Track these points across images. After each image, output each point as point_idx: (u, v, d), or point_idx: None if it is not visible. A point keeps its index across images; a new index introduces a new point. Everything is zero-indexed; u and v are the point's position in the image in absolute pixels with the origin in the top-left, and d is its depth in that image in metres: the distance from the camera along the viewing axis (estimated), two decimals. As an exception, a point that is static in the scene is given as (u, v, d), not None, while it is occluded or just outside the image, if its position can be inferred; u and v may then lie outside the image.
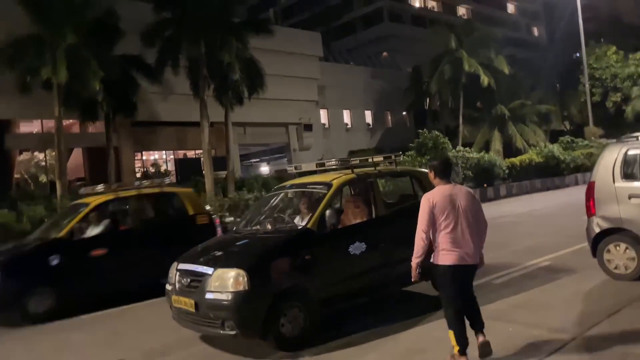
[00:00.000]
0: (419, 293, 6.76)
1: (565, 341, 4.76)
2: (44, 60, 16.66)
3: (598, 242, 6.97)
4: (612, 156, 6.85)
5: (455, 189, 4.46)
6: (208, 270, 5.07)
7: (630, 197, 6.60)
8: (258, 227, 6.13)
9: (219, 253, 5.50)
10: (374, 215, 6.16)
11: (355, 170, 6.27)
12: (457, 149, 22.50)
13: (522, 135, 36.55)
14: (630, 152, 6.73)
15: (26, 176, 36.67)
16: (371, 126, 44.56)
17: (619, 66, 35.17)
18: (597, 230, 6.94)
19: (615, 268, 6.81)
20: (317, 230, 5.43)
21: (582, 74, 33.80)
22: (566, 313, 5.61)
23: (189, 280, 5.24)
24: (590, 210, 7.04)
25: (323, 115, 41.07)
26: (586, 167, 28.70)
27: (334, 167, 6.45)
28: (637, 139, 6.80)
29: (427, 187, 6.82)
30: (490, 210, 17.57)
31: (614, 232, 6.82)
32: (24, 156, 35.07)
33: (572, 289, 6.62)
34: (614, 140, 7.20)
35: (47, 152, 30.44)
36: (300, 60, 35.77)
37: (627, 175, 6.72)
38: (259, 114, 32.20)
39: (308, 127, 37.73)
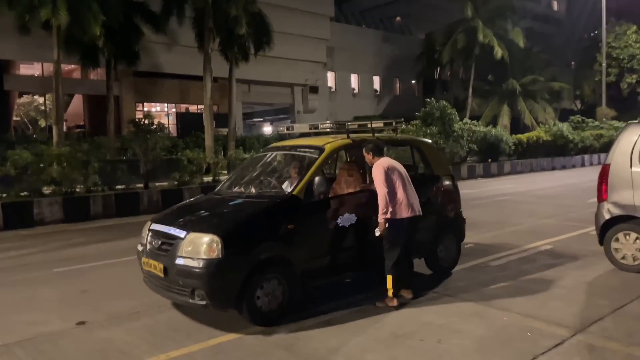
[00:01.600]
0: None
1: (565, 337, 4.35)
2: (43, 0, 15.90)
3: (607, 229, 6.51)
4: (631, 138, 6.31)
5: (392, 160, 5.29)
6: (180, 233, 4.63)
7: (647, 184, 6.11)
8: (242, 189, 5.67)
9: (195, 215, 5.05)
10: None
11: (351, 135, 5.76)
12: (464, 121, 21.83)
13: (532, 112, 35.77)
14: (652, 135, 6.20)
15: (26, 119, 36.24)
16: (378, 92, 43.68)
17: (638, 47, 33.99)
18: (607, 216, 6.47)
19: (623, 258, 6.38)
20: (303, 198, 4.96)
21: (599, 52, 32.74)
22: (567, 304, 5.20)
23: (159, 242, 4.81)
24: (601, 195, 6.55)
25: (330, 78, 40.18)
26: (594, 148, 28.08)
27: (328, 130, 5.93)
28: (661, 122, 6.26)
29: (429, 157, 6.41)
30: (492, 187, 17.37)
31: (626, 219, 6.35)
32: (24, 99, 34.55)
33: (573, 277, 6.20)
34: (636, 121, 6.63)
35: (47, 96, 29.88)
36: (310, 18, 34.71)
37: (646, 160, 6.20)
38: (264, 72, 31.51)
39: (314, 90, 36.98)
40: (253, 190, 5.51)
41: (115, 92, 26.71)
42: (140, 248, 5.09)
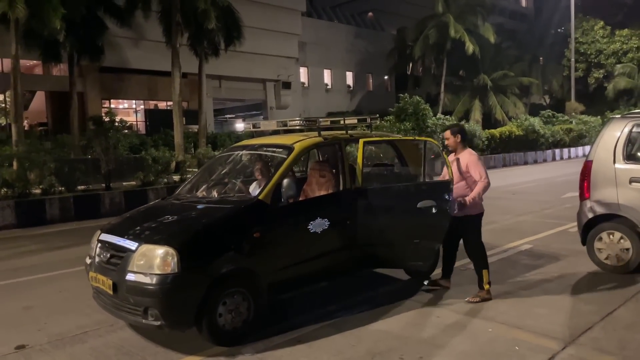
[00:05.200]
0: (389, 276, 6.00)
1: (555, 351, 4.02)
2: None
3: (590, 228, 6.25)
4: (614, 134, 6.05)
5: None
6: (131, 245, 4.11)
7: (631, 181, 5.85)
8: (204, 193, 5.18)
9: (149, 224, 4.51)
10: (341, 187, 5.26)
11: (323, 133, 5.32)
12: (437, 116, 21.62)
13: (503, 106, 35.94)
14: (636, 130, 5.95)
15: (-16, 118, 34.71)
16: (351, 88, 43.42)
17: (605, 42, 34.43)
18: (590, 215, 6.20)
19: (606, 259, 6.12)
20: (270, 202, 4.49)
21: (567, 47, 33.07)
22: (553, 311, 4.89)
23: (108, 255, 4.29)
24: (583, 193, 6.27)
25: (303, 74, 39.74)
26: (564, 142, 28.33)
27: (298, 127, 5.47)
28: (645, 116, 6.00)
29: (405, 155, 6.02)
30: (467, 182, 17.10)
31: (609, 218, 6.09)
32: (-19, 96, 33.06)
33: (557, 280, 5.92)
34: (618, 116, 6.38)
35: (7, 93, 28.62)
36: (281, 13, 34.22)
37: (630, 156, 5.95)
38: (236, 67, 31.01)
39: (286, 85, 36.53)
40: (215, 194, 5.02)
41: (80, 88, 25.81)
42: (88, 261, 4.56)
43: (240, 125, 40.51)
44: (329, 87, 41.70)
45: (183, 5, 21.16)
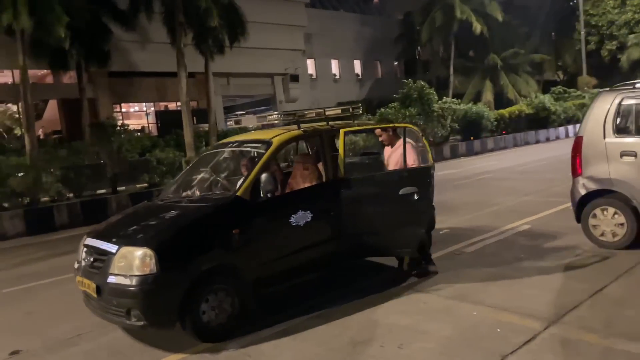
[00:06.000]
0: (380, 265, 6.01)
1: (537, 331, 4.00)
2: (3, 4, 15.21)
3: (584, 205, 6.16)
4: (603, 107, 5.94)
5: None
6: (112, 248, 4.20)
7: (622, 155, 5.75)
8: (188, 192, 5.24)
9: (130, 227, 4.60)
10: (324, 179, 5.27)
11: (302, 126, 5.33)
12: (444, 100, 21.40)
13: (515, 85, 35.36)
14: (625, 103, 5.83)
15: (1, 129, 35.42)
16: (360, 77, 43.14)
17: (616, 12, 33.54)
18: (583, 192, 6.11)
19: (602, 235, 6.04)
20: (249, 198, 4.54)
21: (578, 21, 32.33)
22: (542, 291, 4.85)
23: (92, 259, 4.38)
24: (576, 170, 6.19)
25: (310, 66, 39.59)
26: (577, 118, 27.80)
27: (276, 121, 5.49)
28: (634, 87, 5.88)
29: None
30: (474, 165, 17.00)
31: (602, 194, 6.00)
32: (-1, 108, 33.71)
33: (551, 259, 5.87)
34: (607, 89, 6.25)
35: (20, 103, 29.10)
36: (285, 6, 34.06)
37: (620, 130, 5.84)
38: (242, 64, 30.96)
39: (294, 78, 36.42)
40: (198, 193, 5.08)
41: (91, 94, 26.08)
42: (76, 265, 4.66)
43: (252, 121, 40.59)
44: (337, 77, 41.53)
45: (185, 6, 21.21)
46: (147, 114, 33.29)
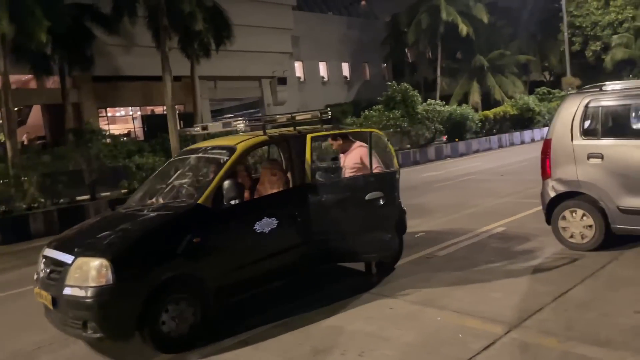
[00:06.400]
0: (351, 270, 5.98)
1: (498, 336, 3.99)
2: None
3: (553, 207, 6.18)
4: (571, 109, 5.97)
5: None
6: (68, 258, 4.14)
7: (589, 157, 5.78)
8: (154, 200, 5.18)
9: (89, 237, 4.53)
10: (291, 185, 5.24)
11: (269, 131, 5.29)
12: (428, 102, 21.46)
13: (501, 86, 35.56)
14: (592, 105, 5.85)
15: (-17, 136, 35.06)
16: (348, 79, 43.19)
17: (600, 13, 33.79)
18: (552, 194, 6.13)
19: (571, 237, 6.05)
20: (212, 205, 4.49)
21: (562, 22, 32.57)
22: (508, 295, 4.84)
23: (48, 270, 4.32)
24: (545, 172, 6.21)
25: (298, 68, 39.59)
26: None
27: (242, 126, 5.42)
28: (600, 89, 5.90)
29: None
30: (458, 167, 17.05)
31: (571, 196, 6.01)
32: (-19, 114, 33.33)
33: (520, 261, 5.87)
34: (574, 91, 6.28)
35: (2, 110, 28.82)
36: (272, 9, 33.99)
37: (587, 132, 5.87)
38: (229, 67, 30.85)
39: (282, 81, 36.37)
40: (161, 200, 5.02)
41: (75, 99, 25.87)
42: (35, 276, 4.59)
43: (240, 125, 40.41)
44: (326, 79, 41.56)
45: (169, 9, 21.10)
46: (133, 118, 33.07)
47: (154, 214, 4.66)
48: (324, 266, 5.63)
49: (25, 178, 11.43)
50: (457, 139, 21.45)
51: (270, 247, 4.82)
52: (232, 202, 4.57)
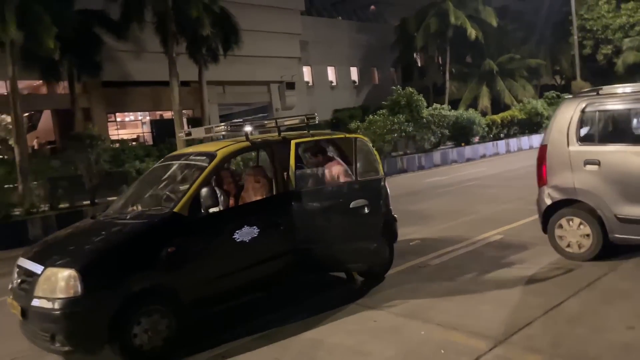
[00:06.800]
0: (335, 279, 5.82)
1: (481, 352, 3.81)
2: None
3: (549, 215, 5.97)
4: (567, 115, 5.77)
5: None
6: (38, 268, 4.04)
7: (586, 164, 5.57)
8: (134, 208, 5.06)
9: (61, 246, 4.44)
10: (274, 192, 5.11)
11: (252, 137, 5.16)
12: (434, 106, 21.23)
13: (511, 90, 35.19)
14: (589, 109, 5.65)
15: (-6, 140, 35.45)
16: (357, 83, 43.07)
17: (611, 17, 33.29)
18: (548, 201, 5.93)
19: (568, 246, 5.84)
20: (188, 214, 4.36)
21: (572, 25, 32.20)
22: (497, 307, 4.66)
23: (19, 280, 4.22)
24: (541, 179, 6.02)
25: (306, 73, 39.57)
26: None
27: (224, 132, 5.31)
28: (597, 93, 5.70)
29: (349, 155, 5.79)
30: (464, 172, 16.80)
31: (568, 204, 5.80)
32: (-6, 118, 33.72)
33: (515, 271, 5.67)
34: (570, 96, 6.07)
35: (11, 114, 29.03)
36: (280, 14, 34.04)
37: (584, 138, 5.66)
38: (238, 72, 30.92)
39: (290, 86, 36.37)
40: (140, 208, 4.90)
41: (85, 104, 26.07)
42: (9, 286, 4.49)
43: (248, 129, 40.43)
44: (334, 84, 41.48)
45: (177, 15, 21.19)
46: (142, 123, 33.28)
47: (129, 222, 4.55)
48: (310, 276, 5.47)
49: (35, 182, 11.41)
50: (463, 144, 21.19)
51: (250, 257, 4.68)
52: (210, 210, 4.44)
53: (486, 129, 22.39)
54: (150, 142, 30.09)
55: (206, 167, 4.69)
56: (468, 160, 20.68)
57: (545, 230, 6.04)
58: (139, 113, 32.61)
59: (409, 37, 38.01)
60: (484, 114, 26.92)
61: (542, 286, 5.16)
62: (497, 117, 23.46)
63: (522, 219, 8.28)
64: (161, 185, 5.17)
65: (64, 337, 3.82)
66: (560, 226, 5.87)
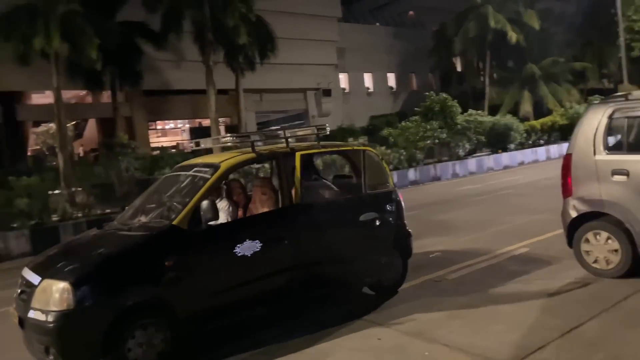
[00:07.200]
0: (340, 294, 5.62)
1: (484, 377, 3.56)
2: (36, 30, 15.80)
3: (575, 229, 5.62)
4: (593, 121, 5.41)
5: None
6: (36, 279, 4.05)
7: (613, 174, 5.21)
8: (141, 219, 5.03)
9: (62, 258, 4.42)
10: (280, 205, 4.99)
11: (257, 148, 5.07)
12: (469, 112, 20.69)
13: (555, 95, 33.98)
14: (617, 116, 5.29)
15: (43, 148, 36.94)
16: (394, 89, 42.63)
17: (659, 18, 31.81)
18: (573, 214, 5.58)
19: (595, 262, 5.47)
20: (188, 227, 4.28)
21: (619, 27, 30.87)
22: (510, 327, 4.38)
23: (20, 290, 4.25)
24: (566, 190, 5.66)
25: (343, 80, 39.47)
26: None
27: (230, 143, 5.24)
28: (626, 99, 5.33)
29: (359, 166, 5.60)
30: (499, 179, 16.30)
31: (594, 217, 5.44)
32: (42, 127, 35.16)
33: (537, 288, 5.35)
34: (598, 101, 5.71)
35: (56, 123, 30.15)
36: (317, 22, 34.13)
37: (612, 146, 5.31)
38: (275, 79, 31.10)
39: (327, 93, 36.37)
40: (144, 219, 4.87)
41: (127, 113, 26.80)
42: (15, 295, 4.54)
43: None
44: (371, 90, 41.23)
45: (214, 24, 21.54)
46: (182, 131, 33.98)
47: (129, 234, 4.52)
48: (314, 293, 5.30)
49: (79, 188, 11.72)
50: (500, 151, 20.56)
51: (252, 272, 4.56)
52: (210, 223, 4.36)
53: (524, 135, 21.65)
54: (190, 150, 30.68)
55: (209, 179, 4.61)
56: (505, 167, 20.04)
57: (570, 244, 5.69)
58: (179, 121, 33.29)
59: (448, 42, 37.35)
60: (525, 120, 26.07)
61: (562, 305, 4.83)
62: (537, 123, 22.68)
63: (552, 230, 7.83)
64: (166, 196, 5.12)
65: (56, 351, 3.80)
66: (587, 240, 5.51)
